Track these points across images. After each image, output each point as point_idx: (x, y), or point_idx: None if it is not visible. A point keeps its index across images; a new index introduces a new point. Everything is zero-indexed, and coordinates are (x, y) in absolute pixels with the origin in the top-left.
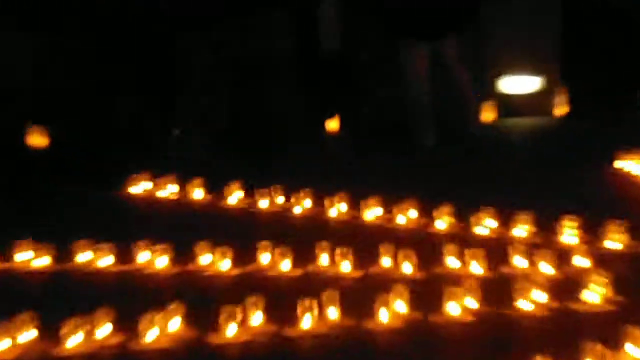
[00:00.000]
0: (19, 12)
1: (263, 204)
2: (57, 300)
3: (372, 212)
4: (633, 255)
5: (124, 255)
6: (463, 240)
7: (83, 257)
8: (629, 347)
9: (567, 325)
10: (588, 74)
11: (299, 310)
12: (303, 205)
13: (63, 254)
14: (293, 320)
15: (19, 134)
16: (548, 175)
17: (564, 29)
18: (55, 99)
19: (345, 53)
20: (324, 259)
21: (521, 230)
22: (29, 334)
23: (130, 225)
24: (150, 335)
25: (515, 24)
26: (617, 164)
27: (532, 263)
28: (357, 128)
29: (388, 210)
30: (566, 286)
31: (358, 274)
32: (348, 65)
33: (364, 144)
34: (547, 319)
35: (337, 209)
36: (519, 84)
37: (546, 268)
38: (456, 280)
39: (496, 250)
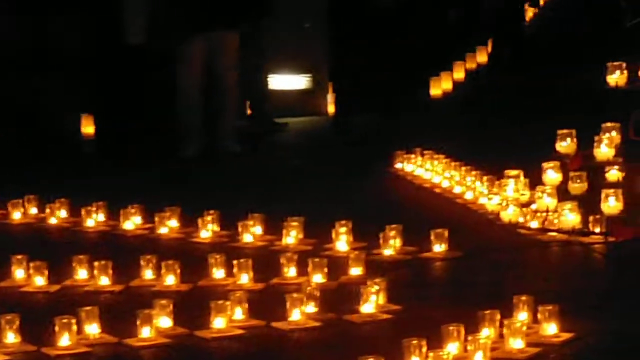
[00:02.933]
0: None
1: (16, 215)
2: None
3: (133, 222)
4: (407, 261)
5: None
6: (230, 250)
7: None
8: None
9: (341, 336)
10: (357, 73)
11: (56, 328)
12: (58, 216)
13: None
14: (50, 338)
15: None
16: (320, 179)
17: (331, 28)
18: None
19: (151, 46)
20: (82, 273)
21: (292, 238)
22: None
23: None
24: None
25: (284, 23)
26: (393, 165)
27: (304, 272)
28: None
29: (149, 220)
30: (340, 295)
31: (119, 287)
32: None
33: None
34: (320, 331)
35: (95, 219)
36: (287, 82)
37: (318, 277)
38: (223, 292)
39: (266, 259)
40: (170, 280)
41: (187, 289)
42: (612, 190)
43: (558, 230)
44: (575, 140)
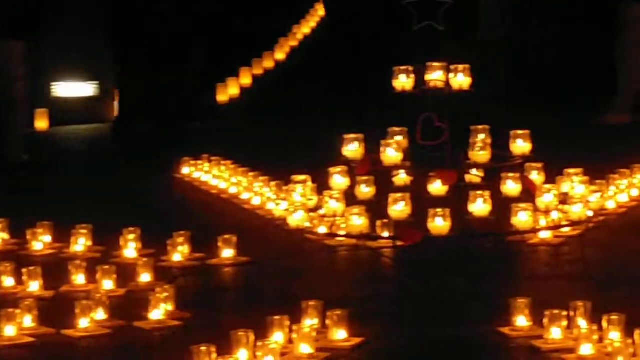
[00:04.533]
0: None
1: None
2: None
3: None
4: (195, 267)
5: None
6: (19, 258)
7: None
8: None
9: (131, 343)
10: (142, 80)
11: None
12: None
13: None
14: None
15: None
16: (107, 186)
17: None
18: None
19: None
20: None
21: (80, 245)
22: None
23: None
24: None
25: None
26: (180, 171)
27: (93, 280)
28: None
29: None
30: (129, 303)
31: None
32: None
33: None
34: (110, 338)
35: None
36: (73, 90)
37: (108, 284)
38: (13, 300)
39: (54, 267)
40: None
41: None
42: (399, 195)
43: (346, 235)
44: (362, 144)
